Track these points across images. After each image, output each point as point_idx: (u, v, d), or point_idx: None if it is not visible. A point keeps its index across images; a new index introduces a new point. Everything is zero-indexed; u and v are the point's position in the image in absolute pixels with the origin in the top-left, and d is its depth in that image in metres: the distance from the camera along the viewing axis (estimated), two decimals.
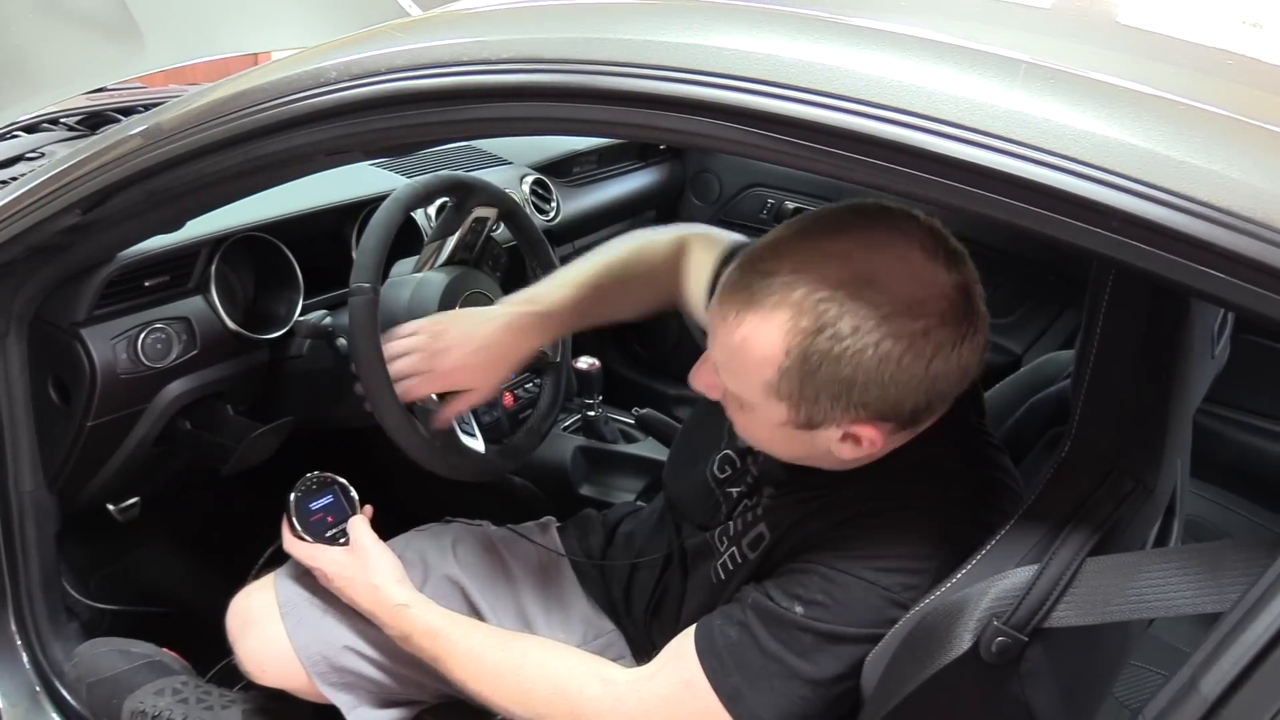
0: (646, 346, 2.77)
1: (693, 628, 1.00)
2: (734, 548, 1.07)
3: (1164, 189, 0.61)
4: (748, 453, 1.15)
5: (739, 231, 2.54)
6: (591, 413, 1.94)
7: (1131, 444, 0.83)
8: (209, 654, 1.55)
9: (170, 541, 1.91)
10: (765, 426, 0.94)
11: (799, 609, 0.93)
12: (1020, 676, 0.79)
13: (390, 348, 1.21)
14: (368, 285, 1.20)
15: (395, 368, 1.20)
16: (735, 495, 1.14)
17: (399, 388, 1.20)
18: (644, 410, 2.02)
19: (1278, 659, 0.59)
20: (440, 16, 0.99)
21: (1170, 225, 0.61)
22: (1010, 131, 0.65)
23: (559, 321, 1.28)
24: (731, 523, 1.09)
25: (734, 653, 0.96)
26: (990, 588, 0.80)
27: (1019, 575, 0.78)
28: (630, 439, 1.96)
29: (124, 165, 1.06)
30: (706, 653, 0.97)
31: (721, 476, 1.17)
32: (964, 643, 0.78)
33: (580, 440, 1.90)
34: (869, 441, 0.90)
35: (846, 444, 0.91)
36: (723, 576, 1.09)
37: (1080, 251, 0.65)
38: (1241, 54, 0.90)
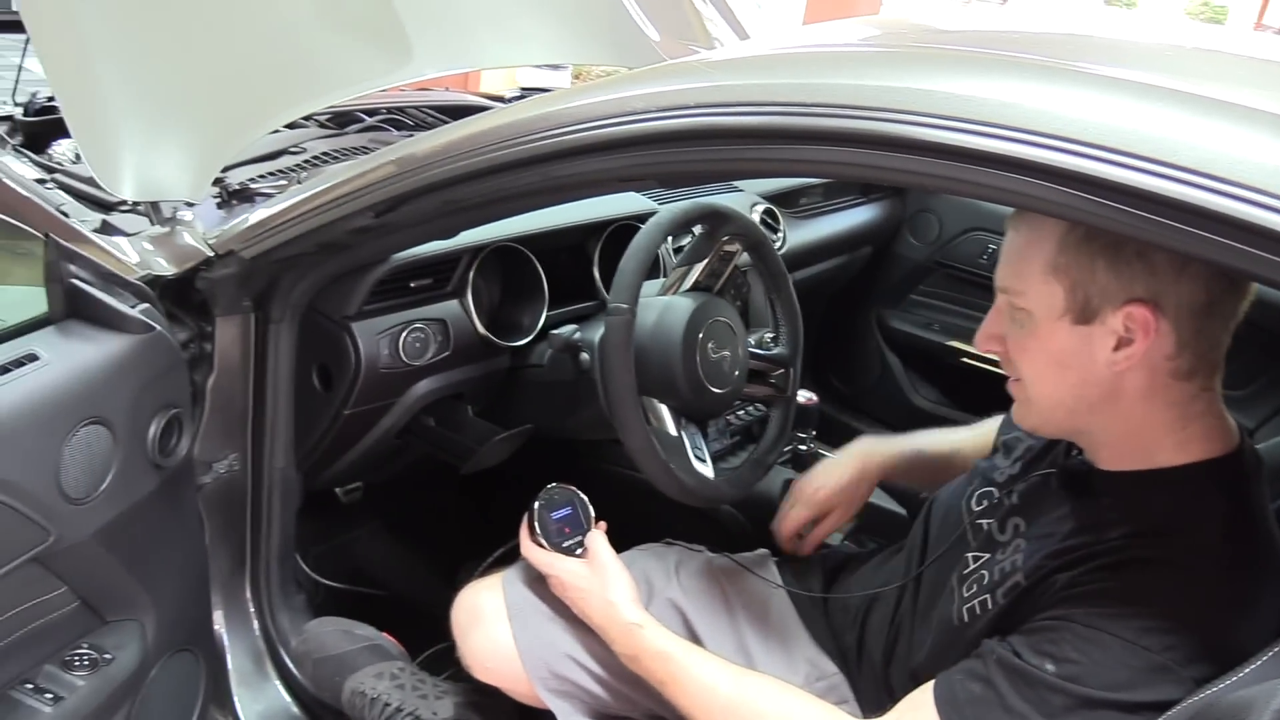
0: (846, 382, 2.73)
1: (932, 681, 0.98)
2: (986, 595, 1.04)
3: None
4: (1006, 485, 1.13)
5: (953, 273, 2.50)
6: (803, 447, 1.92)
7: None
8: (416, 639, 1.62)
9: (385, 527, 1.99)
10: (1042, 339, 0.95)
11: (1050, 667, 0.90)
12: None
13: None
14: (625, 306, 1.23)
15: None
16: (986, 528, 1.11)
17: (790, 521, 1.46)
18: None
19: None
20: (745, 57, 1.00)
21: None
22: None
23: (888, 468, 1.47)
24: (986, 572, 1.06)
25: (976, 707, 0.93)
26: None
27: None
28: None
29: (422, 175, 1.11)
30: (945, 704, 0.95)
31: (978, 509, 1.15)
32: None
33: (790, 473, 1.88)
34: (1143, 329, 0.89)
35: (1122, 351, 0.90)
36: (967, 620, 1.06)
37: None
38: None
